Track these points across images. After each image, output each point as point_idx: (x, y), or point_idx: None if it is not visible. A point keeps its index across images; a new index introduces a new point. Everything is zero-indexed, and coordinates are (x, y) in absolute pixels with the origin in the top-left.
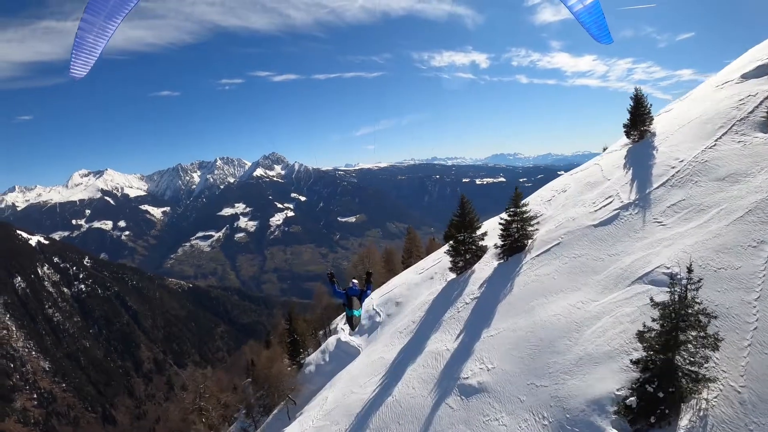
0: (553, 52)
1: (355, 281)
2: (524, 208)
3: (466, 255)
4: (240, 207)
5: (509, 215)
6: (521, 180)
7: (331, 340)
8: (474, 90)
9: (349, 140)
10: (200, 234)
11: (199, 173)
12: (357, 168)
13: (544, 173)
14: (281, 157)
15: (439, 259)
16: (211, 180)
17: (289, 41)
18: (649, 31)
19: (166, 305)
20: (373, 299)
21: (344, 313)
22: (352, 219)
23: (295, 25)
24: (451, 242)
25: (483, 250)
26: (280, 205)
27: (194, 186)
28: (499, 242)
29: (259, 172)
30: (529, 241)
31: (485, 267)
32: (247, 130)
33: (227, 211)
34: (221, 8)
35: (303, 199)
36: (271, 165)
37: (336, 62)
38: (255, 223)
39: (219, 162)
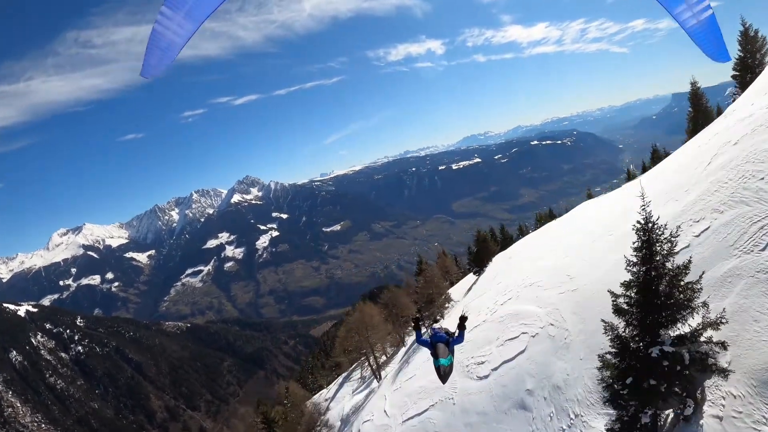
0: (505, 26)
1: (436, 326)
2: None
3: None
4: (224, 236)
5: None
6: (497, 157)
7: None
8: (434, 77)
9: (320, 149)
10: (189, 271)
11: (177, 210)
12: (333, 176)
13: (517, 146)
14: (256, 179)
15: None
16: (190, 215)
17: (244, 62)
18: None
19: (168, 350)
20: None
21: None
22: (337, 227)
23: (247, 46)
24: None
25: None
26: (263, 227)
27: (174, 224)
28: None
29: (236, 198)
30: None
31: None
32: (217, 159)
33: (212, 243)
34: None
35: (285, 216)
36: (247, 189)
37: (294, 75)
38: (242, 249)
39: (195, 195)
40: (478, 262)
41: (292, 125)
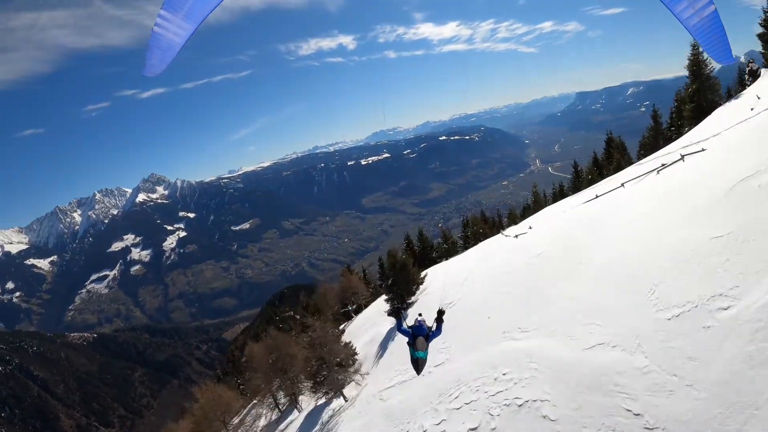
0: (417, 24)
1: (420, 318)
2: None
3: None
4: (129, 238)
5: None
6: (406, 152)
7: None
8: (345, 73)
9: (229, 145)
10: (94, 276)
11: (79, 212)
12: (241, 172)
13: (426, 141)
14: (162, 177)
15: None
16: (94, 216)
17: None
18: None
19: (75, 364)
20: None
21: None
22: (246, 225)
23: None
24: None
25: None
26: (170, 228)
27: (77, 227)
28: None
29: (141, 197)
30: None
31: None
32: (122, 156)
33: (117, 246)
34: (74, 29)
35: (192, 216)
36: (153, 187)
37: (202, 68)
38: (148, 251)
39: (98, 195)
40: (396, 297)
41: (200, 120)
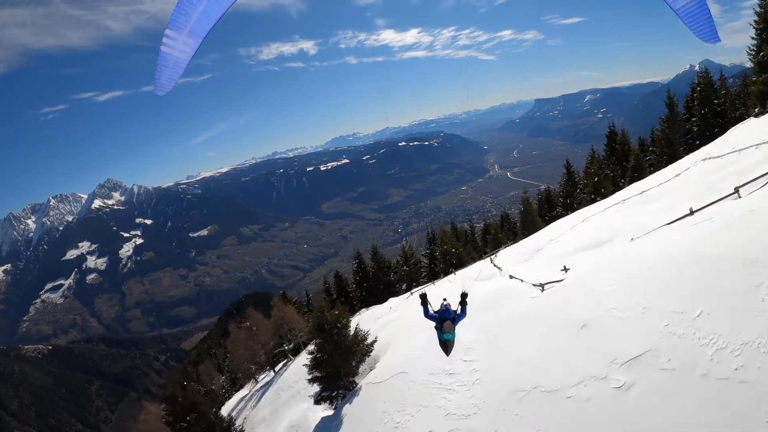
0: (379, 30)
1: (445, 302)
2: None
3: None
4: (85, 246)
5: None
6: (365, 158)
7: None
8: (306, 78)
9: (187, 150)
10: (49, 286)
11: (33, 218)
12: (199, 178)
13: (385, 147)
14: (118, 183)
15: None
16: (48, 223)
17: (111, 55)
18: None
19: (29, 378)
20: None
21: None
22: (204, 232)
23: (115, 37)
24: None
25: None
26: (126, 234)
27: (31, 234)
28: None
29: (97, 203)
30: None
31: None
32: (77, 160)
33: (72, 254)
34: (34, 28)
35: (149, 222)
36: (109, 193)
37: None
38: (104, 259)
39: (53, 201)
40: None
41: (159, 125)
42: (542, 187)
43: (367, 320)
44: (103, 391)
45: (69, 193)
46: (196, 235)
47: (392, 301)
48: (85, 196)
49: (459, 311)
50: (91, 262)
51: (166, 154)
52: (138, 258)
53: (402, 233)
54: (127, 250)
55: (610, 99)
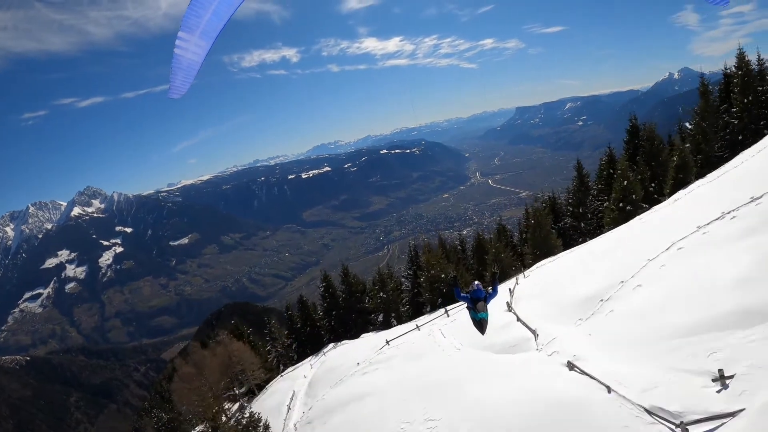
0: (361, 38)
1: (477, 283)
2: None
3: None
4: (64, 254)
5: None
6: (347, 165)
7: None
8: (288, 86)
9: (168, 157)
10: (27, 295)
11: (12, 226)
12: (180, 186)
13: (367, 155)
14: (98, 190)
15: None
16: (27, 231)
17: (92, 60)
18: (451, 8)
19: (6, 389)
20: None
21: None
22: (185, 240)
23: (96, 42)
24: None
25: None
26: (106, 243)
27: (10, 242)
28: None
29: (76, 211)
30: None
31: None
32: (57, 167)
33: (51, 262)
34: (14, 32)
35: (129, 230)
36: (89, 201)
37: (144, 77)
38: (84, 268)
39: (32, 209)
40: None
41: (140, 131)
42: (539, 194)
43: (323, 380)
44: (82, 402)
45: (48, 201)
46: (176, 243)
47: (369, 338)
48: (65, 204)
49: (491, 290)
50: (71, 270)
51: (146, 162)
52: (118, 267)
53: (384, 241)
54: (106, 258)
55: (590, 107)
